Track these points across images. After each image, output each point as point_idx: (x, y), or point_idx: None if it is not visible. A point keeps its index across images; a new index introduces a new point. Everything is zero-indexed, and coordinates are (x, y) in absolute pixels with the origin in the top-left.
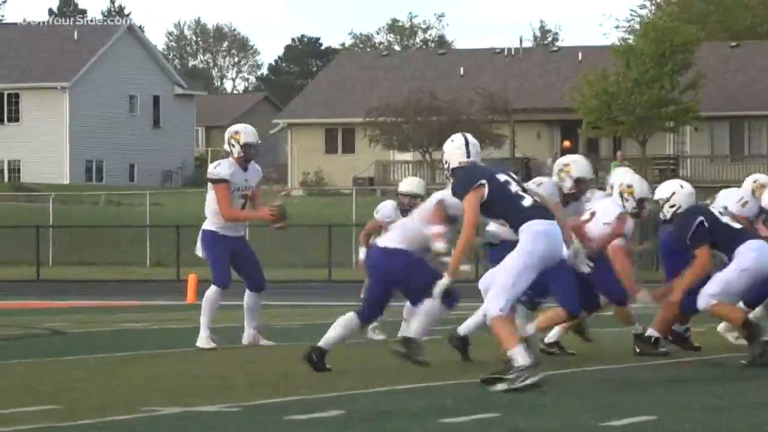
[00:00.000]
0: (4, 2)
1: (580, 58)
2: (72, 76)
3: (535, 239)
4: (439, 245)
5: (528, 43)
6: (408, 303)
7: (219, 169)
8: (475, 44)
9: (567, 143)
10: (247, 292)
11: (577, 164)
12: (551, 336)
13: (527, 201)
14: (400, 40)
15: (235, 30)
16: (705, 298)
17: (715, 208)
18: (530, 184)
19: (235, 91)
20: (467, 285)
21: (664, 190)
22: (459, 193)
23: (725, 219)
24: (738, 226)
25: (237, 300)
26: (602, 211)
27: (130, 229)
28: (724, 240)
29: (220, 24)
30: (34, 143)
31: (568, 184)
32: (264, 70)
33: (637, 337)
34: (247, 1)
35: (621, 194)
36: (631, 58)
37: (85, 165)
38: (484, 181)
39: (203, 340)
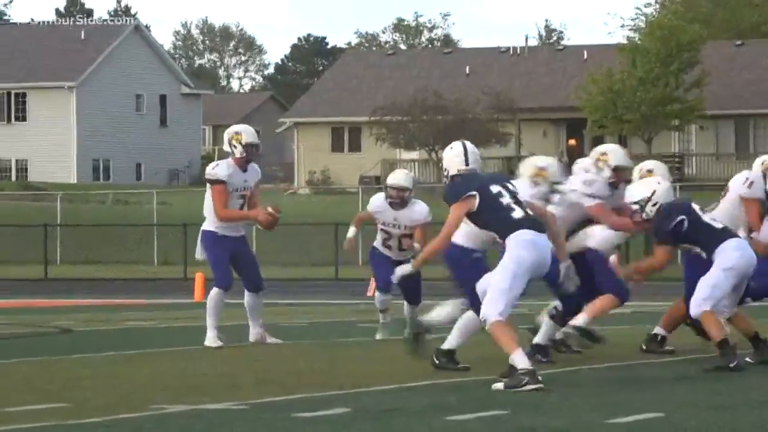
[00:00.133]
0: (11, 2)
1: (585, 56)
2: (79, 75)
3: (522, 247)
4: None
5: (533, 42)
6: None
7: (217, 170)
8: (480, 43)
9: (572, 142)
10: (247, 294)
11: (614, 153)
12: (558, 334)
13: (517, 213)
14: (405, 40)
15: (241, 29)
16: (697, 305)
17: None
18: (575, 169)
19: (241, 91)
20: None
21: (643, 189)
22: (449, 200)
23: (707, 218)
24: (719, 225)
25: (242, 298)
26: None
27: (138, 228)
28: (705, 239)
29: (226, 23)
30: (41, 142)
31: (606, 174)
32: (270, 70)
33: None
34: (254, 1)
35: (596, 162)
36: (638, 56)
37: (92, 164)
38: (474, 193)
39: (210, 339)
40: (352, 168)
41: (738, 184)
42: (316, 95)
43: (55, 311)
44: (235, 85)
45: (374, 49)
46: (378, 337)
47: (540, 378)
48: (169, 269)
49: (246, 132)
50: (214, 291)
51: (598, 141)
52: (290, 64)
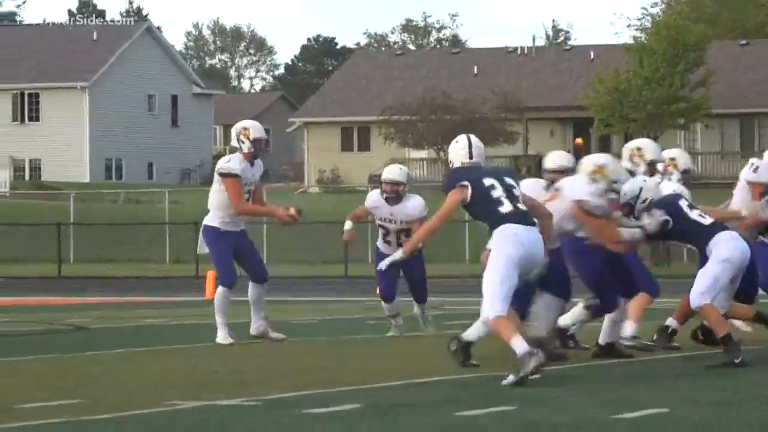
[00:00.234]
0: (24, 3)
1: (592, 56)
2: (91, 76)
3: (506, 242)
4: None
5: (541, 42)
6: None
7: (231, 164)
8: (488, 43)
9: (579, 140)
10: (251, 284)
11: (649, 147)
12: (572, 330)
13: (505, 207)
14: (414, 40)
15: (252, 30)
16: (696, 297)
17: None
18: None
19: (252, 91)
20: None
21: (630, 188)
22: (444, 189)
23: (695, 215)
24: (708, 221)
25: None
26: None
27: (150, 227)
28: (694, 236)
29: (238, 24)
30: (54, 142)
31: (642, 169)
32: (281, 70)
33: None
34: (265, 2)
35: (631, 158)
36: (644, 56)
37: (105, 163)
38: (466, 183)
39: (221, 337)
40: (361, 167)
41: (745, 171)
42: (326, 95)
43: (68, 309)
44: (245, 85)
45: (383, 49)
46: (390, 334)
47: (540, 356)
48: (181, 267)
49: (254, 127)
50: (220, 289)
51: (604, 140)
52: (300, 64)
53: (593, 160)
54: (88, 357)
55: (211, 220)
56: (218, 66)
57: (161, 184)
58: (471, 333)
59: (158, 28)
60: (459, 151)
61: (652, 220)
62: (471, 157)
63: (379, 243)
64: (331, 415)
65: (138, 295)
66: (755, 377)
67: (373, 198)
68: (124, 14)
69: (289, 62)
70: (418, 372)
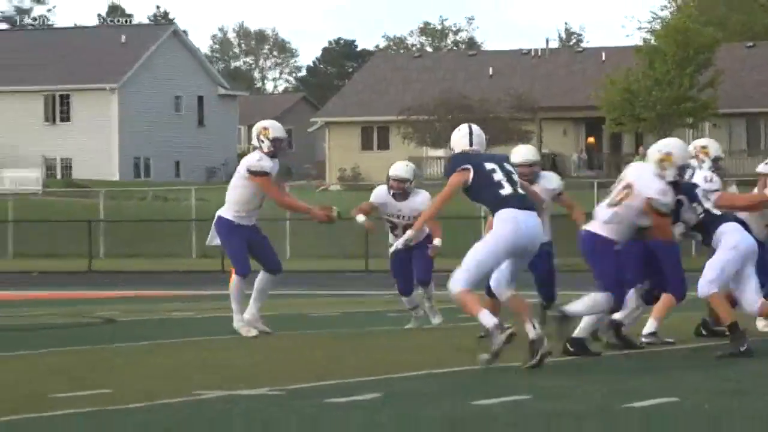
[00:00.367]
0: (54, 7)
1: (603, 58)
2: (120, 77)
3: (505, 225)
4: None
5: (554, 45)
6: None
7: (263, 162)
8: (503, 46)
9: (591, 139)
10: (261, 274)
11: (713, 145)
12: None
13: (506, 190)
14: (431, 42)
15: (276, 33)
16: (705, 286)
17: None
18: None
19: (275, 92)
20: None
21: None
22: (447, 172)
23: (708, 204)
24: (717, 212)
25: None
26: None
27: (177, 223)
28: (704, 226)
29: (262, 28)
30: (84, 142)
31: (707, 165)
32: (303, 72)
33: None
34: (288, 7)
35: (697, 156)
36: (656, 58)
37: (134, 162)
38: (469, 166)
39: (237, 320)
40: (381, 165)
41: (761, 165)
42: (346, 96)
43: (98, 302)
44: (269, 86)
45: (401, 51)
46: (408, 326)
47: (506, 330)
48: (207, 262)
49: (273, 127)
50: (235, 278)
51: (615, 138)
52: (321, 66)
53: (660, 147)
54: (116, 348)
55: (225, 212)
56: (243, 68)
57: (188, 182)
58: (583, 329)
59: (184, 31)
60: (461, 138)
61: (693, 215)
62: (471, 145)
63: (390, 239)
64: (352, 404)
65: (165, 289)
66: (762, 368)
67: (380, 194)
68: (152, 18)
69: (311, 64)
70: (435, 363)
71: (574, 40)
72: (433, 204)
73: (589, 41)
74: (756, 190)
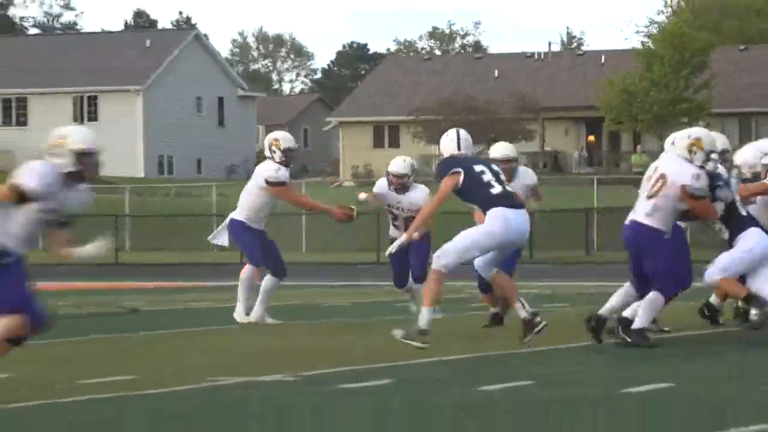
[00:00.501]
0: (82, 13)
1: (603, 61)
2: (145, 80)
3: (496, 223)
4: None
5: (556, 48)
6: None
7: (281, 173)
8: (508, 49)
9: (591, 138)
10: (269, 276)
11: (721, 138)
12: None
13: (496, 189)
14: (440, 46)
15: (293, 38)
16: (715, 272)
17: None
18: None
19: (292, 93)
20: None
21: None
22: (438, 177)
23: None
24: (742, 212)
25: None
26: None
27: (198, 218)
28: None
29: (280, 32)
30: (111, 141)
31: (699, 158)
32: (318, 74)
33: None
34: (304, 12)
35: (689, 149)
36: (654, 61)
37: (158, 160)
38: (459, 170)
39: (259, 314)
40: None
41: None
42: (359, 97)
43: (123, 293)
44: (286, 88)
45: (411, 55)
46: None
47: (426, 341)
48: (227, 255)
49: (284, 138)
50: (250, 268)
51: (614, 137)
52: (336, 68)
53: (689, 133)
54: (141, 337)
55: (238, 215)
56: (261, 71)
57: (209, 179)
58: (640, 321)
59: (206, 35)
60: (449, 143)
61: (728, 193)
62: (459, 149)
63: (391, 230)
64: (362, 390)
65: (187, 280)
66: (760, 358)
67: (382, 185)
68: (175, 23)
69: (326, 67)
70: (441, 350)
71: (575, 44)
72: (426, 209)
73: (590, 45)
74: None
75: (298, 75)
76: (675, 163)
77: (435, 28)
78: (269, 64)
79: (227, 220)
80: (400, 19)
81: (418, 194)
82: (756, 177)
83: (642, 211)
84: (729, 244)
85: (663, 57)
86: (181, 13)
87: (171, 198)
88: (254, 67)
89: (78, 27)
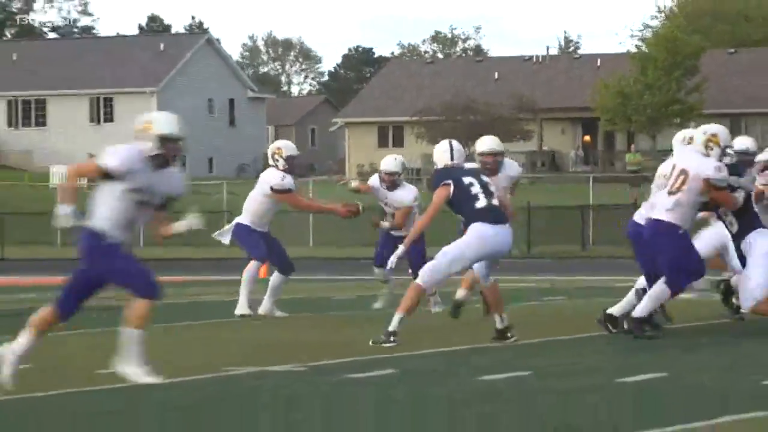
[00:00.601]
0: (99, 18)
1: (598, 64)
2: (159, 82)
3: (477, 239)
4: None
5: (553, 52)
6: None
7: (286, 181)
8: (507, 53)
9: (587, 138)
10: (276, 273)
11: (723, 133)
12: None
13: (481, 203)
14: (442, 50)
15: (301, 42)
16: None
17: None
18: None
19: (300, 95)
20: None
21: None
22: (431, 188)
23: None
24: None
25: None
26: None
27: (210, 214)
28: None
29: (288, 37)
30: (126, 140)
31: (715, 153)
32: (325, 77)
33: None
34: (312, 17)
35: (706, 144)
36: (648, 64)
37: None
38: (449, 182)
39: (267, 308)
40: None
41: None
42: (365, 99)
43: None
44: (294, 90)
45: (415, 58)
46: (376, 306)
47: (395, 340)
48: (238, 250)
49: (286, 147)
50: (254, 264)
51: (609, 137)
52: (342, 71)
53: (705, 130)
54: (155, 329)
55: (243, 219)
56: (270, 73)
57: (220, 177)
58: (641, 310)
59: (217, 40)
60: (442, 153)
61: (749, 183)
62: (452, 159)
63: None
64: (368, 380)
65: (199, 274)
66: (754, 349)
67: (375, 179)
68: (188, 28)
69: (333, 70)
70: (445, 341)
71: (572, 48)
72: (420, 222)
73: (586, 48)
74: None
75: (306, 77)
76: (694, 159)
77: (437, 33)
78: (278, 67)
79: (233, 222)
80: (403, 24)
81: (405, 193)
82: None
83: (663, 207)
84: (735, 237)
85: (656, 60)
86: (193, 18)
87: (183, 195)
88: (264, 69)
89: (95, 31)
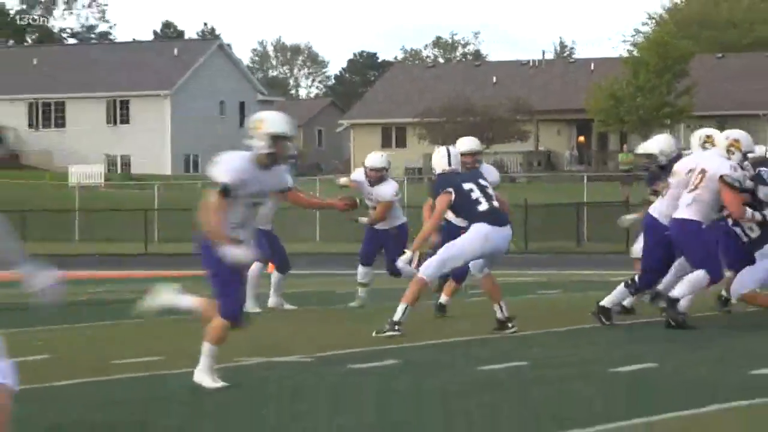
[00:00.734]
0: (115, 24)
1: (592, 68)
2: (172, 85)
3: (477, 239)
4: None
5: (549, 56)
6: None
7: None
8: (505, 57)
9: (581, 138)
10: (275, 272)
11: (745, 139)
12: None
13: (482, 206)
14: (443, 54)
15: (309, 47)
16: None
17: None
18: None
19: (307, 97)
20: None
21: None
22: (433, 195)
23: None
24: None
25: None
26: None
27: None
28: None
29: (296, 42)
30: (141, 141)
31: (737, 158)
32: (331, 80)
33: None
34: (319, 23)
35: (727, 149)
36: (639, 68)
37: (184, 158)
38: (451, 189)
39: (276, 302)
40: (398, 161)
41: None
42: (369, 101)
43: (153, 281)
44: (302, 93)
45: (417, 62)
46: (352, 305)
47: (400, 329)
48: None
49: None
50: (258, 264)
51: (602, 137)
52: (347, 75)
53: (728, 135)
54: (168, 320)
55: None
56: (279, 77)
57: None
58: (677, 291)
59: (228, 45)
60: (440, 159)
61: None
62: (450, 165)
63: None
64: (371, 370)
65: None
66: (746, 344)
67: (359, 175)
68: (200, 34)
69: (339, 73)
70: (446, 333)
71: (567, 53)
72: (426, 228)
73: (580, 53)
74: None
75: (313, 81)
76: (715, 160)
77: (438, 38)
78: (287, 71)
79: None
80: (406, 30)
81: (386, 188)
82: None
83: (683, 204)
84: (752, 243)
85: (648, 64)
86: (206, 24)
87: (197, 193)
88: (273, 73)
89: (111, 37)
